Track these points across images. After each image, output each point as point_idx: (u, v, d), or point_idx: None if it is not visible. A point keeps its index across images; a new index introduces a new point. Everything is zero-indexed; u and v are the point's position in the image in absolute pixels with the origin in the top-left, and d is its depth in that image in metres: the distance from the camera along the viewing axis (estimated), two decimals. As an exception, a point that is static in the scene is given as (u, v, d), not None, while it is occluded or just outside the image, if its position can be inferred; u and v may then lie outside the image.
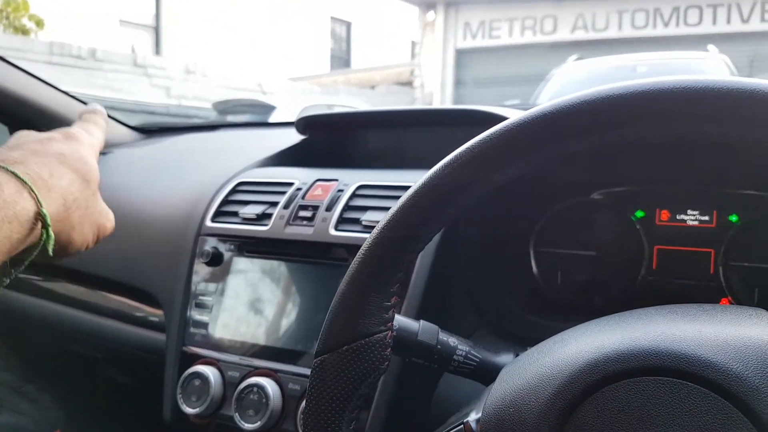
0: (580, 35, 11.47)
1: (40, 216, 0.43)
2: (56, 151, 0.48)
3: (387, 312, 0.43)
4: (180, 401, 0.76)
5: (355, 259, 0.43)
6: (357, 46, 17.31)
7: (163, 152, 1.19)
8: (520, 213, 0.70)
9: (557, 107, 0.38)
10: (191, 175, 0.99)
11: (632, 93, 0.36)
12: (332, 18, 16.49)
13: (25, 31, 8.28)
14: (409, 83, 12.98)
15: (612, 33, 11.32)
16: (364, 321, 0.42)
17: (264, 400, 0.71)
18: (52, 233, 0.44)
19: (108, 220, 0.54)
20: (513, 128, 0.39)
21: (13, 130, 1.23)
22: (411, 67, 13.27)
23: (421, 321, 0.49)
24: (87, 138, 0.54)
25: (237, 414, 0.72)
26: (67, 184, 0.47)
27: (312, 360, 0.71)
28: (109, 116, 1.31)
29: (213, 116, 7.03)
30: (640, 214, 0.66)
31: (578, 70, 5.49)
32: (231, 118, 6.70)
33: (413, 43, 14.78)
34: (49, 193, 0.44)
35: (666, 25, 10.91)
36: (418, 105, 12.17)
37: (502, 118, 0.83)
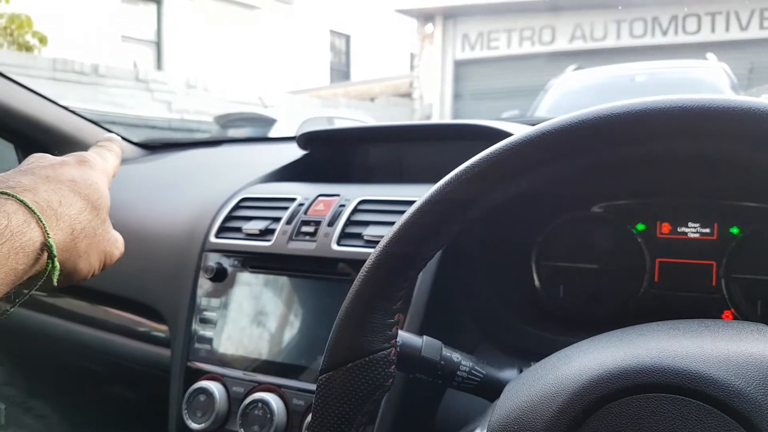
0: (579, 45, 11.53)
1: (46, 246, 0.42)
2: (68, 178, 0.48)
3: (391, 329, 0.43)
4: (185, 417, 0.77)
5: (358, 276, 0.43)
6: (356, 58, 17.39)
7: (166, 168, 1.20)
8: (521, 226, 0.71)
9: (557, 126, 0.39)
10: (195, 191, 1.00)
11: (633, 112, 0.37)
12: (331, 31, 16.58)
13: (28, 48, 8.35)
14: (408, 95, 13.03)
15: (610, 42, 11.37)
16: (368, 338, 0.42)
17: (269, 416, 0.71)
18: (57, 264, 0.43)
19: (116, 247, 0.54)
20: (514, 146, 0.40)
21: (20, 148, 1.24)
22: (410, 79, 13.33)
23: (425, 336, 0.49)
24: (100, 164, 0.54)
25: (242, 430, 0.72)
26: (76, 212, 0.46)
27: (316, 375, 0.71)
28: (110, 132, 1.33)
29: (214, 130, 7.07)
30: (641, 227, 0.67)
31: (577, 80, 5.52)
32: (232, 132, 6.74)
33: (412, 55, 14.84)
34: (58, 222, 0.44)
35: (664, 33, 10.96)
36: (418, 119, 12.22)
37: (502, 132, 0.84)
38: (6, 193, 0.42)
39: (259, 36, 13.79)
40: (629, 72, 5.37)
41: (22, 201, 0.42)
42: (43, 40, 8.39)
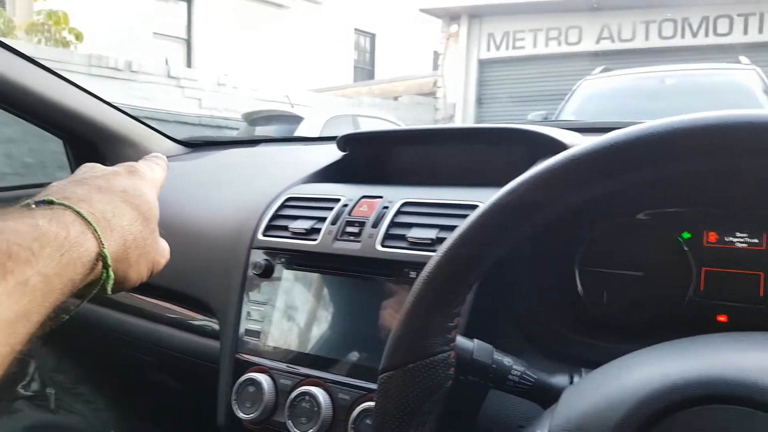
0: (606, 45, 11.39)
1: (101, 256, 0.43)
2: (120, 188, 0.49)
3: (450, 332, 0.45)
4: (235, 407, 0.80)
5: (419, 277, 0.45)
6: (381, 57, 17.39)
7: (209, 166, 1.24)
8: (565, 232, 0.71)
9: (632, 135, 0.39)
10: (241, 190, 1.04)
11: (704, 125, 0.38)
12: (356, 30, 16.60)
13: (65, 44, 8.54)
14: (431, 94, 13.01)
15: (639, 43, 11.22)
16: (429, 340, 0.44)
17: (315, 409, 0.74)
18: (112, 273, 0.45)
19: (162, 256, 0.55)
20: (593, 153, 0.40)
21: (68, 144, 1.29)
22: (434, 78, 13.30)
23: (476, 340, 0.51)
24: (149, 174, 0.55)
25: (290, 421, 0.75)
26: (128, 223, 0.47)
27: (360, 371, 0.74)
28: (156, 130, 1.37)
29: (243, 126, 7.14)
30: (686, 235, 0.66)
31: (605, 82, 5.45)
32: (260, 128, 6.80)
33: (436, 54, 14.80)
34: (111, 233, 0.45)
35: (695, 35, 10.79)
36: (441, 118, 12.19)
37: (545, 137, 0.86)
38: (63, 204, 0.43)
39: (287, 35, 13.88)
40: (659, 74, 5.28)
41: (78, 212, 0.43)
42: (79, 36, 8.57)
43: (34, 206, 0.42)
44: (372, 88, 14.13)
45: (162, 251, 0.54)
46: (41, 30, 8.62)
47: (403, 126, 7.67)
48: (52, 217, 0.41)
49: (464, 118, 12.14)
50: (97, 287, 0.45)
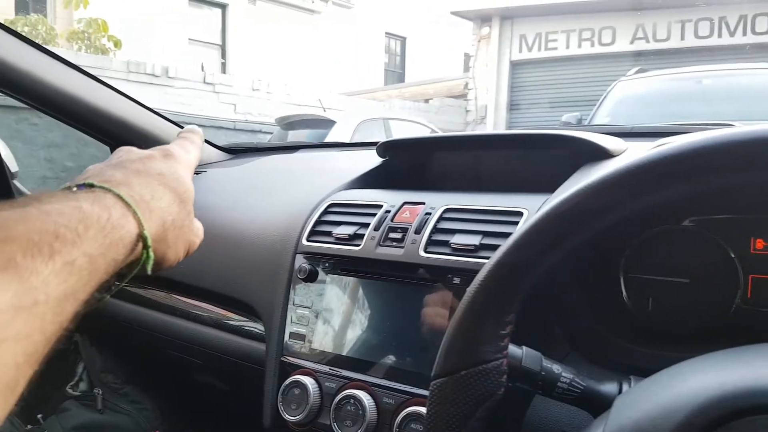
0: (641, 46, 11.21)
1: (141, 237, 0.44)
2: (156, 171, 0.50)
3: (503, 340, 0.45)
4: (281, 409, 0.81)
5: (472, 284, 0.45)
6: (411, 60, 17.42)
7: (252, 173, 1.27)
8: (611, 237, 0.71)
9: (709, 142, 0.40)
10: (283, 195, 1.06)
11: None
12: (387, 33, 16.66)
13: (104, 51, 8.78)
14: (462, 96, 12.97)
15: (674, 43, 11.01)
16: (482, 348, 0.44)
17: (360, 412, 0.75)
18: (152, 253, 0.46)
19: (197, 236, 0.56)
20: (658, 161, 0.41)
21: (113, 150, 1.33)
22: (464, 80, 13.26)
23: (524, 347, 0.51)
24: (184, 156, 0.56)
25: (335, 424, 0.76)
26: (166, 205, 0.48)
27: (405, 375, 0.75)
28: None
29: (276, 130, 7.23)
30: (734, 242, 0.66)
31: (640, 83, 5.35)
32: (293, 132, 6.88)
33: (466, 56, 14.76)
34: (151, 214, 0.46)
35: (732, 34, 10.55)
36: (472, 120, 12.13)
37: (586, 142, 0.86)
38: (104, 187, 0.44)
39: (319, 39, 14.01)
40: (696, 75, 5.16)
41: (119, 195, 0.44)
42: (117, 43, 8.80)
43: (75, 189, 0.43)
44: (402, 91, 14.15)
45: (197, 231, 0.55)
46: (81, 38, 8.86)
47: (441, 133, 7.68)
48: (95, 200, 0.41)
49: (496, 121, 12.07)
50: (137, 267, 0.46)
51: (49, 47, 1.33)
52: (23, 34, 1.13)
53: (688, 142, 0.41)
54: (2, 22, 1.05)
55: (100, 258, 0.39)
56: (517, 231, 0.45)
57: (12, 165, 1.48)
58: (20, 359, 0.31)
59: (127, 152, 0.53)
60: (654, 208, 0.43)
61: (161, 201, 0.48)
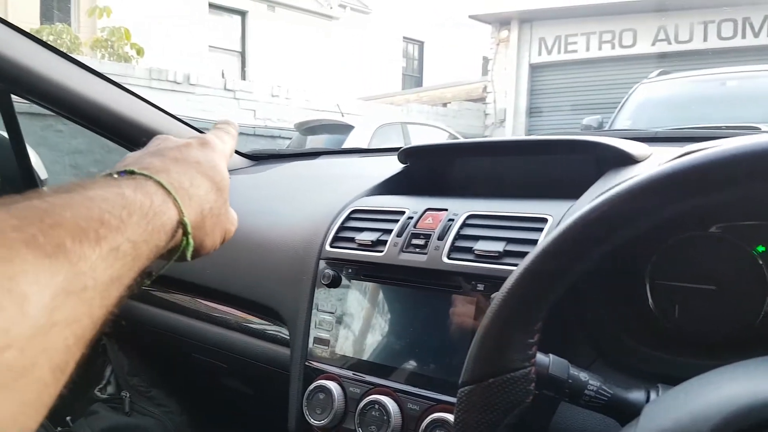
0: (662, 48, 11.09)
1: (181, 224, 0.45)
2: (194, 160, 0.50)
3: (531, 348, 0.45)
4: (306, 413, 0.82)
5: (500, 292, 0.46)
6: (429, 64, 17.44)
7: (274, 179, 1.28)
8: (636, 244, 0.70)
9: (742, 151, 0.40)
10: (306, 202, 1.07)
11: None
12: (404, 38, 16.70)
13: (127, 59, 8.91)
14: (480, 100, 12.94)
15: (697, 45, 10.88)
16: (510, 356, 0.44)
17: (385, 417, 0.75)
18: (192, 240, 0.46)
19: (232, 224, 0.56)
20: (700, 165, 0.40)
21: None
22: (483, 83, 13.23)
23: (551, 355, 0.51)
24: (220, 146, 0.56)
25: (360, 429, 0.77)
26: (204, 193, 0.49)
27: (429, 382, 0.75)
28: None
29: (295, 136, 7.29)
30: (761, 248, 0.65)
31: (662, 86, 5.30)
32: (311, 138, 6.92)
33: (485, 60, 14.73)
34: (190, 201, 0.46)
35: (756, 35, 10.39)
36: (491, 124, 12.10)
37: (610, 147, 0.85)
38: (144, 174, 0.44)
39: (337, 44, 14.10)
40: (719, 76, 5.09)
41: (159, 182, 0.44)
42: (140, 51, 8.93)
43: (116, 176, 0.44)
44: (420, 96, 14.17)
45: (232, 220, 0.56)
46: (105, 46, 9.00)
47: (459, 137, 7.67)
48: (137, 187, 0.42)
49: (515, 125, 12.02)
50: (177, 254, 0.47)
51: (73, 55, 1.35)
52: (48, 42, 1.16)
53: (724, 150, 0.40)
54: (28, 31, 1.07)
55: (143, 244, 0.40)
56: (546, 238, 0.45)
57: (42, 172, 1.51)
58: (70, 342, 0.32)
59: (164, 140, 0.54)
60: (681, 215, 0.42)
61: (199, 189, 0.48)
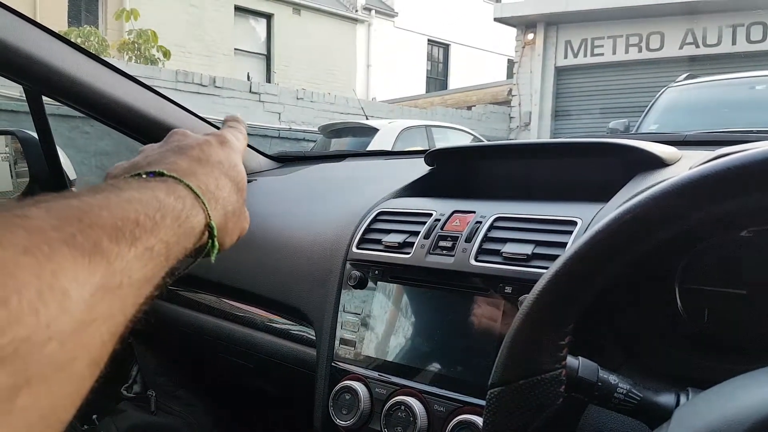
0: (690, 51, 10.94)
1: (208, 227, 0.46)
2: (216, 160, 0.51)
3: (562, 350, 0.45)
4: (332, 413, 0.83)
5: (531, 294, 0.45)
6: (454, 67, 17.41)
7: (301, 181, 1.29)
8: (666, 247, 0.70)
9: None
10: (332, 203, 1.07)
11: None
12: (429, 41, 16.70)
13: (153, 61, 9.06)
14: (505, 102, 12.89)
15: (725, 48, 10.71)
16: (541, 358, 0.44)
17: (411, 419, 0.75)
18: (217, 243, 0.47)
19: (247, 222, 0.57)
20: (743, 165, 0.40)
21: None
22: (508, 86, 13.18)
23: (580, 358, 0.50)
24: (237, 144, 0.57)
25: (386, 429, 0.77)
26: (227, 194, 0.50)
27: (455, 383, 0.75)
28: (249, 146, 1.44)
29: (320, 138, 7.33)
30: None
31: (690, 90, 5.23)
32: (336, 140, 6.95)
33: (510, 62, 14.66)
34: (216, 204, 0.47)
35: (788, 38, 10.20)
36: (516, 127, 12.04)
37: (639, 150, 0.85)
38: (174, 177, 0.45)
39: (362, 48, 14.15)
40: (748, 80, 5.01)
41: (189, 186, 0.45)
42: (166, 54, 9.07)
43: (145, 176, 0.45)
44: (445, 98, 14.16)
45: (247, 218, 0.57)
46: (132, 48, 9.16)
47: (484, 140, 7.64)
48: (168, 190, 0.43)
49: (540, 128, 11.95)
50: (202, 255, 0.48)
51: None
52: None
53: (764, 151, 0.40)
54: (59, 33, 1.10)
55: (174, 246, 0.41)
56: (580, 240, 0.44)
57: (71, 173, 1.54)
58: (106, 338, 0.33)
59: (183, 136, 0.54)
60: (717, 218, 0.42)
61: (223, 191, 0.49)
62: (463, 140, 7.88)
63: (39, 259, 0.29)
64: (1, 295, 0.26)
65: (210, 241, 0.47)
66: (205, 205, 0.46)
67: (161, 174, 0.46)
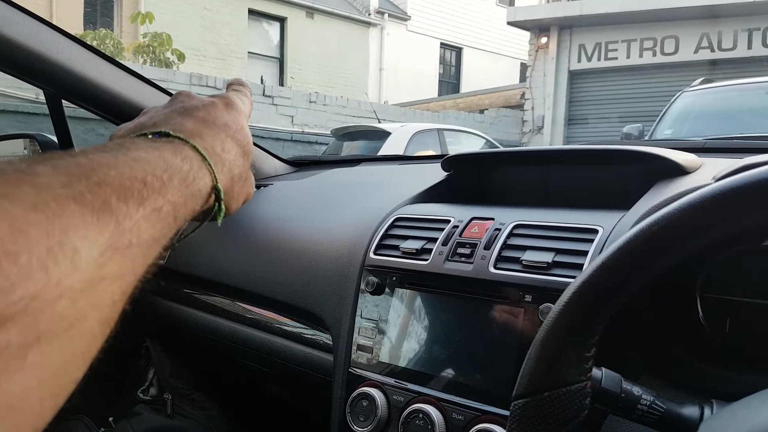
0: (705, 55, 10.86)
1: (215, 190, 0.45)
2: (222, 122, 0.50)
3: (588, 362, 0.45)
4: (349, 420, 0.82)
5: (557, 304, 0.45)
6: (466, 71, 17.39)
7: (317, 185, 1.29)
8: (687, 258, 0.69)
9: None
10: (349, 208, 1.07)
11: None
12: (442, 44, 16.70)
13: (168, 64, 9.14)
14: (518, 106, 12.86)
15: (741, 52, 10.62)
16: (566, 370, 0.44)
17: (429, 426, 0.75)
18: (224, 206, 0.47)
19: (253, 187, 0.56)
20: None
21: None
22: (521, 89, 13.14)
23: (603, 369, 0.50)
24: (243, 107, 0.56)
25: (403, 437, 0.77)
26: (234, 158, 0.49)
27: (473, 392, 0.75)
28: (265, 150, 1.44)
29: (332, 142, 7.35)
30: None
31: (705, 95, 5.18)
32: (348, 143, 6.96)
33: (523, 66, 14.63)
34: (222, 167, 0.47)
35: (804, 42, 10.10)
36: (529, 131, 12.00)
37: (659, 157, 0.84)
38: (180, 138, 0.44)
39: (375, 51, 14.18)
40: (764, 85, 4.96)
41: (195, 147, 0.44)
42: (181, 56, 9.14)
43: (151, 137, 0.45)
44: (457, 102, 14.15)
45: (253, 182, 0.56)
46: (146, 51, 9.24)
47: (497, 144, 7.61)
48: (175, 151, 0.42)
49: (553, 132, 11.90)
50: (208, 218, 0.48)
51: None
52: (92, 47, 1.19)
53: None
54: (77, 37, 1.11)
55: (182, 207, 0.40)
56: (606, 250, 0.44)
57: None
58: (116, 297, 0.32)
59: (188, 98, 0.54)
60: (748, 228, 0.41)
61: (230, 154, 0.49)
62: (476, 144, 7.87)
63: (48, 215, 0.28)
64: (11, 250, 0.25)
65: (217, 204, 0.47)
66: (211, 167, 0.45)
67: (167, 134, 0.45)
